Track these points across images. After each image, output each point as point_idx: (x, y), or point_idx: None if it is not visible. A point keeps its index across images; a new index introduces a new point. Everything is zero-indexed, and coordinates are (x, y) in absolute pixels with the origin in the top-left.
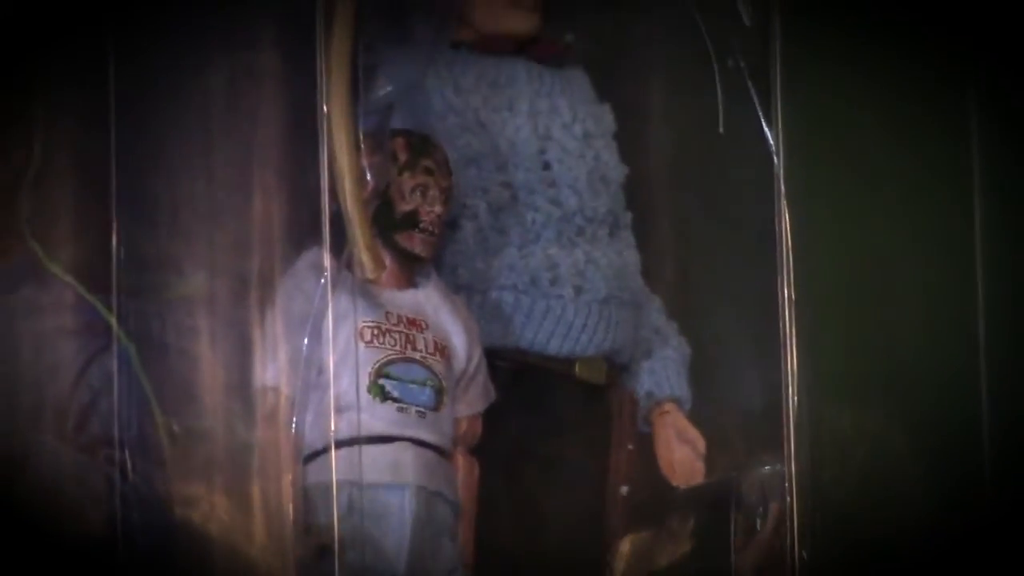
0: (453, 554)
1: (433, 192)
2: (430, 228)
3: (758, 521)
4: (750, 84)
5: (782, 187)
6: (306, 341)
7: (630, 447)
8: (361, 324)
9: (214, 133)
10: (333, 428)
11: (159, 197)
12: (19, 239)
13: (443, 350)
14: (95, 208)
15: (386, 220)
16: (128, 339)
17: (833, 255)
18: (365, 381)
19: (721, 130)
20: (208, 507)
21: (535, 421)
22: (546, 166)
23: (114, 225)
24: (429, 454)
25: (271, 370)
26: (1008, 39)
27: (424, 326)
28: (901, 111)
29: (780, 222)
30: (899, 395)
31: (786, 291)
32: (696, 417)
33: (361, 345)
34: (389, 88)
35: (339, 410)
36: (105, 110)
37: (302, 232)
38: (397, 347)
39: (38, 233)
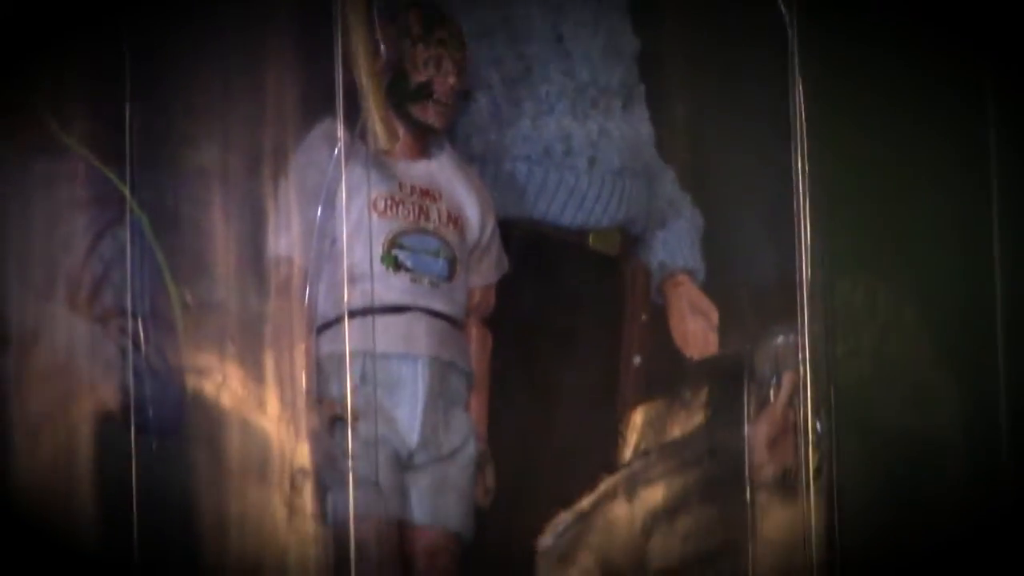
0: (466, 425)
1: (447, 63)
2: (444, 99)
3: (771, 392)
4: None
5: (796, 60)
6: (319, 212)
7: (643, 318)
8: (374, 194)
9: (228, 4)
10: (346, 298)
11: (173, 70)
12: (34, 113)
13: (456, 220)
14: (109, 82)
15: (400, 91)
16: (141, 210)
17: (847, 127)
18: (378, 251)
19: (735, 1)
20: (221, 377)
21: (548, 292)
22: (559, 38)
23: (127, 97)
24: (442, 324)
25: (284, 241)
26: None
27: (438, 196)
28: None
29: (794, 94)
30: (912, 266)
31: (800, 163)
32: (709, 289)
33: (374, 215)
34: None
35: (352, 280)
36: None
37: (316, 104)
38: (411, 217)
39: (53, 107)
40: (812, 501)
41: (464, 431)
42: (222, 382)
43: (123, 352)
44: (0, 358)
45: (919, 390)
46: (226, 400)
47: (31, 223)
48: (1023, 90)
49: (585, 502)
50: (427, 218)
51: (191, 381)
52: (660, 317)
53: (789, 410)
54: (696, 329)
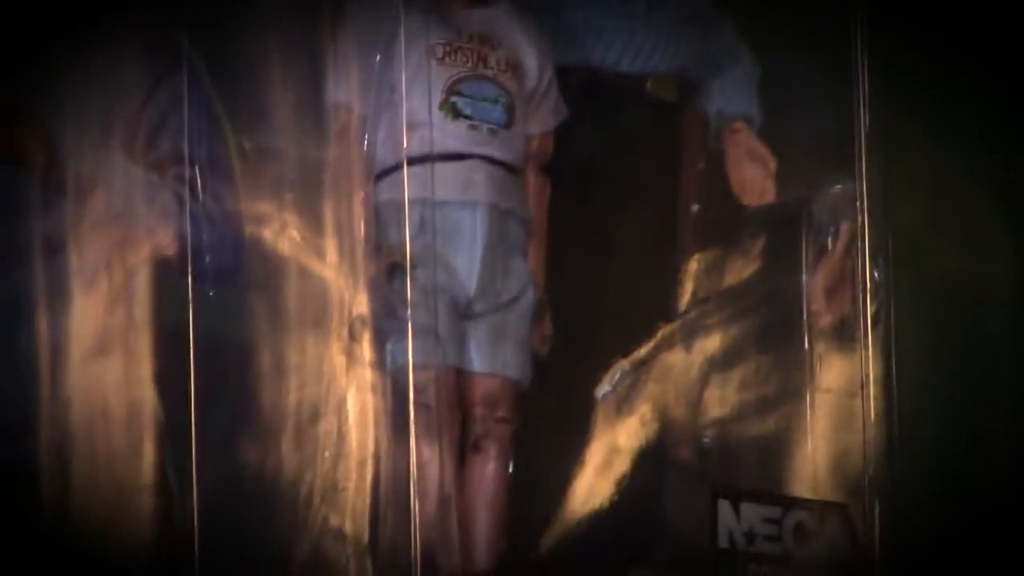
0: (524, 273)
1: None
2: None
3: (829, 240)
4: None
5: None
6: (378, 59)
7: (701, 165)
8: (433, 41)
9: None
10: (405, 145)
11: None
12: None
13: (515, 67)
14: None
15: None
16: (199, 58)
17: (913, 74)
18: (437, 98)
19: None
20: (279, 225)
21: (606, 139)
22: None
23: None
24: (501, 171)
25: (343, 88)
26: None
27: (496, 43)
28: None
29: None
30: (969, 112)
31: (859, 13)
32: (767, 136)
33: (433, 62)
34: None
35: (411, 127)
36: None
37: None
38: (469, 64)
39: None
40: (870, 350)
41: (522, 279)
42: (280, 230)
43: (180, 200)
44: (57, 205)
45: (976, 237)
46: (284, 248)
47: (87, 70)
48: None
49: (643, 350)
50: (486, 65)
51: (249, 228)
52: (718, 164)
53: (847, 258)
54: (754, 176)
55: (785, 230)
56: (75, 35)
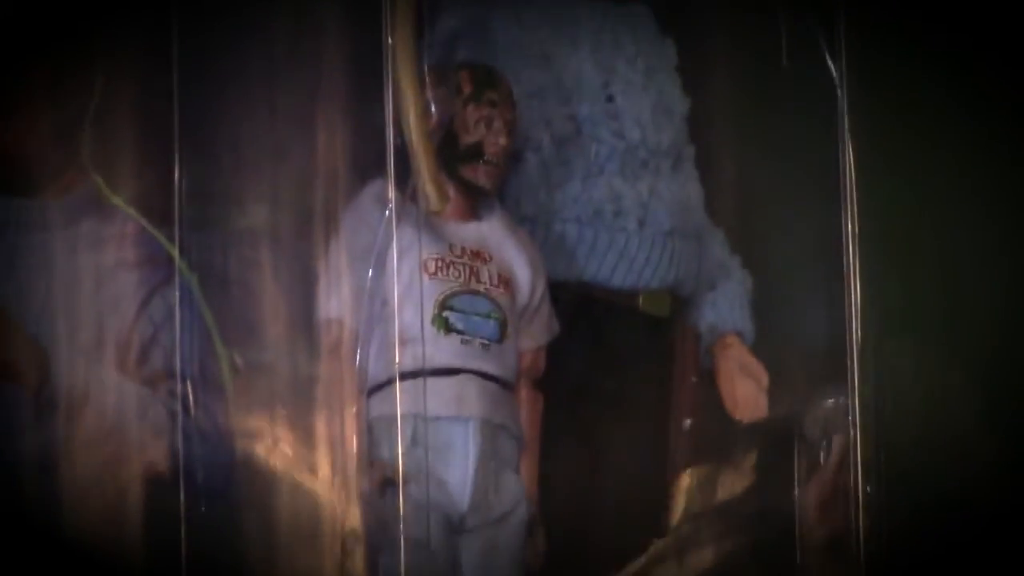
0: (517, 488)
1: (497, 124)
2: (494, 160)
3: (821, 455)
4: (814, 17)
5: (846, 120)
6: (370, 273)
7: (693, 380)
8: (425, 256)
9: (278, 65)
10: (397, 360)
11: (222, 130)
12: (82, 172)
13: (507, 282)
14: (158, 141)
15: (450, 152)
16: (190, 271)
17: (897, 189)
18: (429, 313)
19: (784, 62)
20: (271, 441)
21: (599, 354)
22: (610, 99)
23: (176, 157)
24: (493, 387)
25: (335, 302)
26: None
27: (488, 258)
28: (967, 41)
29: (844, 156)
30: (962, 330)
31: (850, 225)
32: (759, 351)
33: (425, 277)
34: (453, 21)
35: (403, 342)
36: (168, 44)
37: (366, 164)
38: (461, 279)
39: (101, 166)
40: (863, 565)
41: (515, 494)
42: (272, 445)
43: (172, 415)
44: (49, 421)
45: (968, 453)
46: (276, 463)
47: (80, 284)
48: None
49: (635, 565)
50: (478, 280)
51: (241, 444)
52: (710, 379)
53: (840, 473)
54: (746, 392)
55: (777, 445)
56: (68, 248)
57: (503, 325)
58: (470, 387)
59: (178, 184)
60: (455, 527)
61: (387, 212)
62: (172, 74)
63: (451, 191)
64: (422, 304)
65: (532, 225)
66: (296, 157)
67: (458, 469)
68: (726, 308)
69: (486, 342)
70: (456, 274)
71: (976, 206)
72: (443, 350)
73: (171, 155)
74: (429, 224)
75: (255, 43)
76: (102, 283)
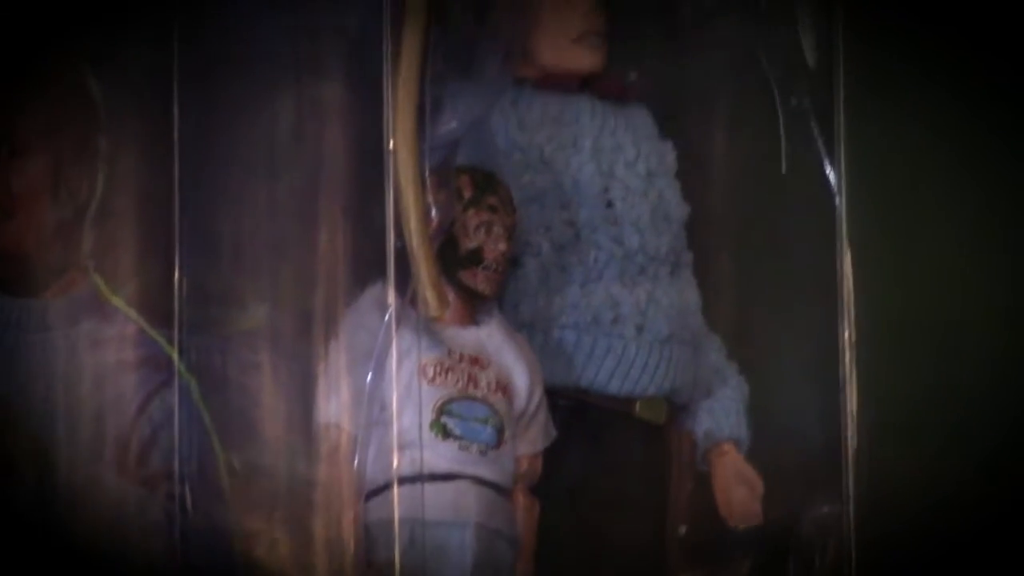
0: None
1: (497, 229)
2: (494, 265)
3: (816, 560)
4: (813, 124)
5: (844, 228)
6: (369, 377)
7: (689, 487)
8: (424, 361)
9: (279, 166)
10: (395, 465)
11: (222, 230)
12: (82, 272)
13: (505, 388)
14: (158, 241)
15: (450, 257)
16: (189, 373)
17: (894, 296)
18: (427, 418)
19: (783, 170)
20: (269, 543)
21: (595, 460)
22: (609, 204)
23: (177, 259)
24: (490, 492)
25: (334, 406)
26: None
27: (486, 364)
28: (965, 151)
29: (841, 263)
30: (960, 437)
31: (847, 332)
32: (755, 457)
33: (424, 382)
34: (454, 124)
35: (401, 447)
36: (169, 142)
37: (366, 268)
38: (459, 385)
39: (101, 266)
40: None
41: None
42: (270, 547)
43: (170, 516)
44: (47, 519)
45: (966, 553)
46: (275, 565)
47: (80, 384)
48: None
49: None
50: (476, 385)
51: (239, 545)
52: (705, 485)
53: None
54: (741, 499)
55: (773, 551)
56: (68, 348)
57: (500, 431)
58: (467, 493)
59: (178, 285)
60: None
61: (387, 316)
62: (173, 173)
63: (451, 296)
64: (420, 409)
65: (530, 331)
66: (296, 258)
67: (454, 574)
68: (722, 415)
69: (483, 448)
70: (455, 379)
71: (976, 313)
72: (441, 455)
73: (171, 255)
74: (428, 329)
75: (257, 143)
76: (102, 383)
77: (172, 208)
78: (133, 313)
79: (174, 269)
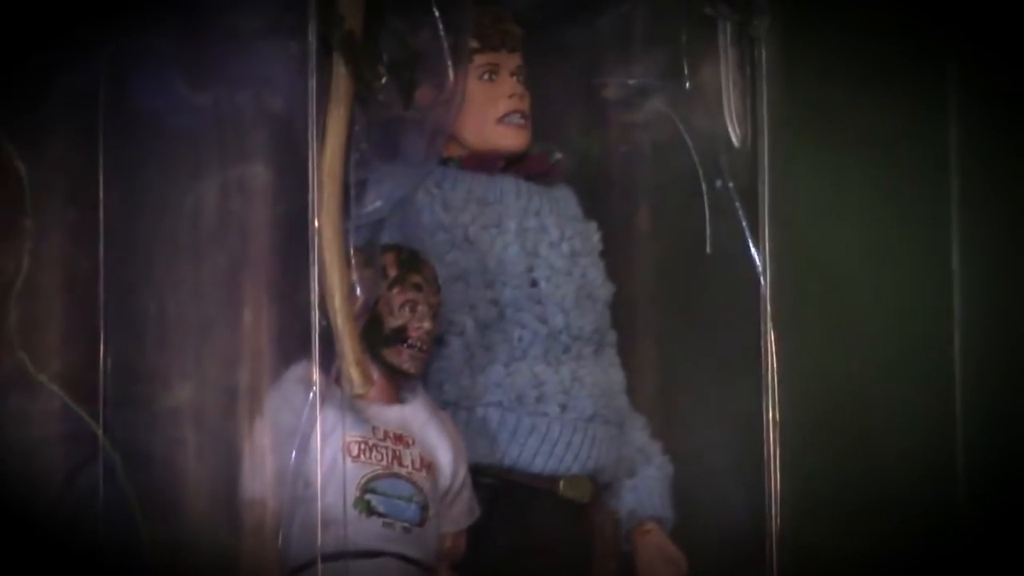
0: None
1: (422, 308)
2: (418, 344)
3: None
4: (738, 205)
5: (768, 309)
6: (294, 454)
7: (612, 566)
8: (348, 439)
9: (204, 245)
10: (319, 542)
11: (148, 309)
12: (7, 349)
13: (429, 466)
14: (83, 320)
15: (375, 335)
16: (114, 450)
17: (818, 377)
18: (352, 495)
19: (708, 250)
20: None
21: (519, 539)
22: (533, 283)
23: (102, 337)
24: (414, 570)
25: (258, 482)
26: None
27: (411, 442)
28: (891, 232)
29: (765, 344)
30: (884, 516)
31: (771, 413)
32: (679, 537)
33: (348, 459)
34: (379, 203)
35: (325, 524)
36: (95, 222)
37: (291, 345)
38: (384, 462)
39: (26, 344)
40: None
41: None
42: None
43: None
44: None
45: None
46: None
47: (5, 461)
48: None
49: None
50: (400, 463)
51: None
52: (629, 564)
53: None
54: None
55: None
56: None
57: (425, 508)
58: (391, 570)
59: (103, 362)
60: None
61: (311, 394)
62: (98, 252)
63: (375, 374)
64: (345, 486)
65: (455, 409)
66: (221, 336)
67: None
68: (646, 494)
69: (408, 525)
70: (379, 457)
71: (899, 387)
72: (365, 532)
73: (96, 333)
74: (353, 406)
75: (182, 223)
76: (27, 459)
77: (97, 287)
78: (57, 389)
79: (99, 347)
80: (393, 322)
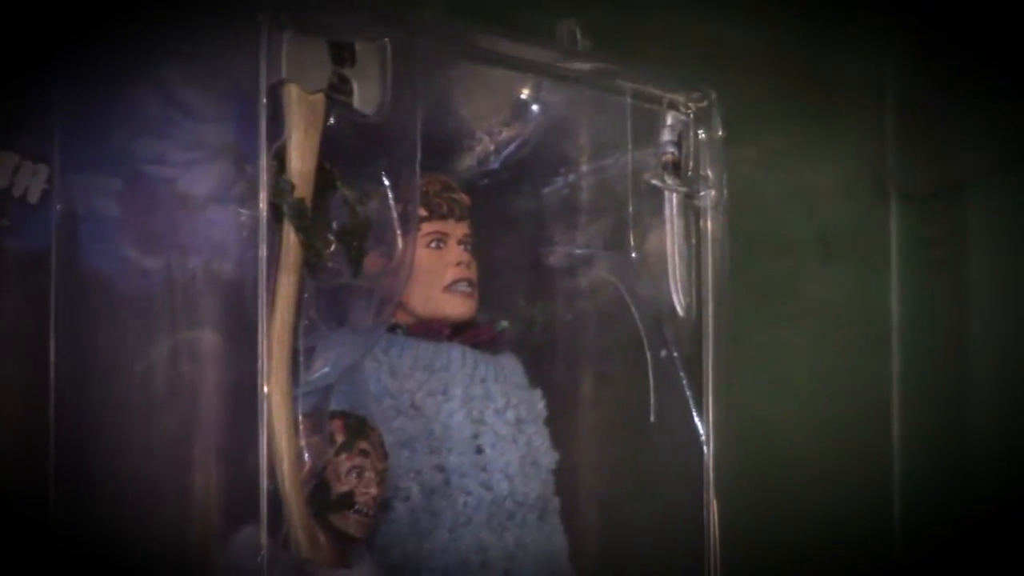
0: None
1: (369, 474)
2: (365, 509)
3: None
4: (682, 374)
5: (711, 477)
6: None
7: None
8: None
9: (155, 409)
10: None
11: (99, 472)
12: None
13: None
14: (32, 479)
15: (322, 500)
16: None
17: (761, 547)
18: None
19: (652, 418)
20: None
21: None
22: (479, 450)
23: (50, 498)
24: None
25: None
26: None
27: None
28: (829, 397)
29: (709, 513)
30: None
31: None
32: None
33: None
34: (327, 369)
35: None
36: (45, 386)
37: (240, 510)
38: None
39: None
40: None
41: None
42: None
43: None
44: None
45: None
46: None
47: None
48: None
49: None
50: None
51: None
52: None
53: None
54: None
55: None
56: None
57: None
58: None
59: (51, 523)
60: None
61: (259, 558)
62: (48, 412)
63: (322, 539)
64: None
65: (400, 574)
66: (170, 501)
67: None
68: None
69: None
70: None
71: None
72: None
73: (46, 495)
74: (300, 571)
75: (133, 388)
76: None
77: (48, 449)
78: None
79: (47, 507)
80: (340, 487)
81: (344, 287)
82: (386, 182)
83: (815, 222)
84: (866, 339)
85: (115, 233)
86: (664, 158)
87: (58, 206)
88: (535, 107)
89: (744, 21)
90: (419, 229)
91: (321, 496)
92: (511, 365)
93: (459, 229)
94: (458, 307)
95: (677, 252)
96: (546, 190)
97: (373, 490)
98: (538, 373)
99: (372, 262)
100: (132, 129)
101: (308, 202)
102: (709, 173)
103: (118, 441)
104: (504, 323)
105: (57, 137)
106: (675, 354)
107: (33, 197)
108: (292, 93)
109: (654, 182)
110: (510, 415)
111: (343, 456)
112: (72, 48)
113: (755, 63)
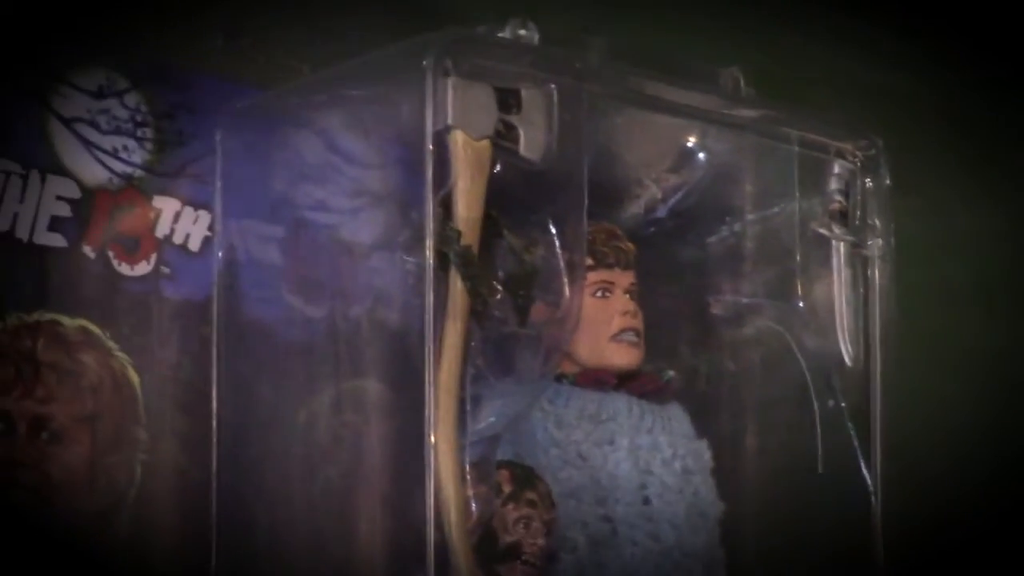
0: None
1: (536, 524)
2: (532, 560)
3: None
4: (850, 425)
5: (879, 527)
6: None
7: None
8: None
9: (318, 459)
10: None
11: (259, 521)
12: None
13: None
14: (195, 530)
15: (489, 551)
16: None
17: None
18: None
19: (820, 469)
20: None
21: None
22: (646, 501)
23: (214, 547)
24: None
25: None
26: None
27: None
28: (995, 447)
29: (876, 566)
30: None
31: None
32: None
33: None
34: (493, 419)
35: None
36: (207, 433)
37: (405, 561)
38: None
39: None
40: None
41: None
42: None
43: None
44: None
45: None
46: None
47: None
48: None
49: None
50: None
51: None
52: None
53: None
54: None
55: None
56: None
57: None
58: None
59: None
60: None
61: None
62: (211, 461)
63: None
64: None
65: None
66: (336, 551)
67: None
68: None
69: None
70: None
71: None
72: None
73: (208, 542)
74: None
75: (296, 437)
76: None
77: (209, 497)
78: None
79: (211, 558)
80: (507, 538)
81: (510, 336)
82: (552, 230)
83: (977, 270)
84: None
85: (277, 281)
86: (831, 207)
87: (219, 253)
88: (701, 155)
89: (903, 66)
90: (585, 278)
91: (488, 546)
92: (677, 415)
93: (625, 278)
94: (624, 357)
95: (845, 301)
96: (711, 239)
97: (540, 541)
98: (703, 423)
99: (538, 311)
100: (293, 175)
101: (474, 250)
102: (876, 222)
103: (281, 492)
104: (670, 373)
105: (218, 183)
106: (843, 404)
107: (194, 244)
108: (459, 140)
109: (821, 231)
110: (677, 465)
111: (510, 506)
112: (232, 95)
113: (918, 110)
